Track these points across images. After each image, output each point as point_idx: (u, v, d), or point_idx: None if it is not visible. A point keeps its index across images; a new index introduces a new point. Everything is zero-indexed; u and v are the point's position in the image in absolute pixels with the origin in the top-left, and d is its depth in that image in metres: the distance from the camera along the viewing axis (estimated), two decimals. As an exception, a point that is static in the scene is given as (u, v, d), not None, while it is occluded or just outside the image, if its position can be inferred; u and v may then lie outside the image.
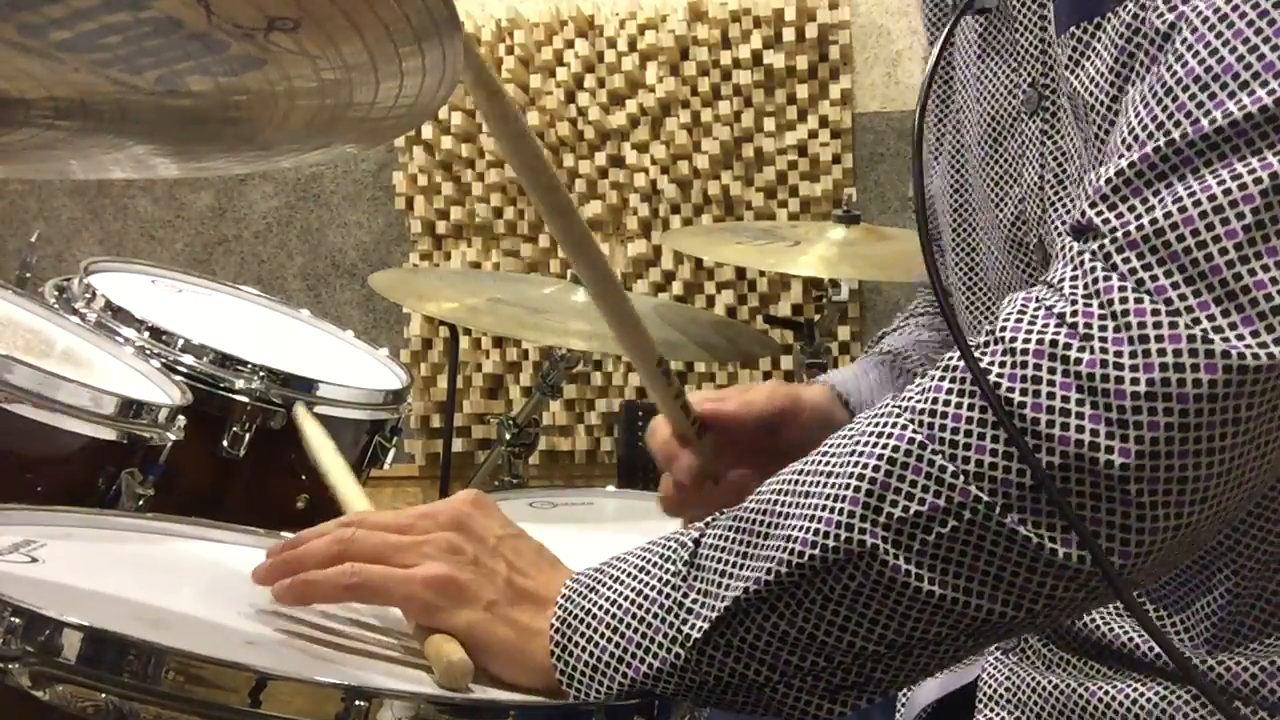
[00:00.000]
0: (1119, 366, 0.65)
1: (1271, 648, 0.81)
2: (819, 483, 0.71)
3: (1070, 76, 0.81)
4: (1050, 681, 0.87)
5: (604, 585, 0.75)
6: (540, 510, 1.47)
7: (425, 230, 3.21)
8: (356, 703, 0.64)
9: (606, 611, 0.74)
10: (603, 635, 0.73)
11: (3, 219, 3.45)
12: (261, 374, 1.64)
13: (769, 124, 3.00)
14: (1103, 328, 0.66)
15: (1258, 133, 0.66)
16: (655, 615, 0.72)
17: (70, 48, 0.59)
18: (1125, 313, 0.66)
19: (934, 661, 0.71)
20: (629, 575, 0.75)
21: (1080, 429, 0.65)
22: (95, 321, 1.60)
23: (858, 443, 0.70)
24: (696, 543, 0.74)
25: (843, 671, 0.70)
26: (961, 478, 0.67)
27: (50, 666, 0.64)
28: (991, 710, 0.89)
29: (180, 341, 1.62)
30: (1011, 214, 0.92)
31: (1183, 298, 0.65)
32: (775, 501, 0.73)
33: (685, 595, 0.72)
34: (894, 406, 0.71)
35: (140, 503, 1.34)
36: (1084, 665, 0.86)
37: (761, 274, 2.97)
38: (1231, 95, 0.66)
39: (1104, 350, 0.66)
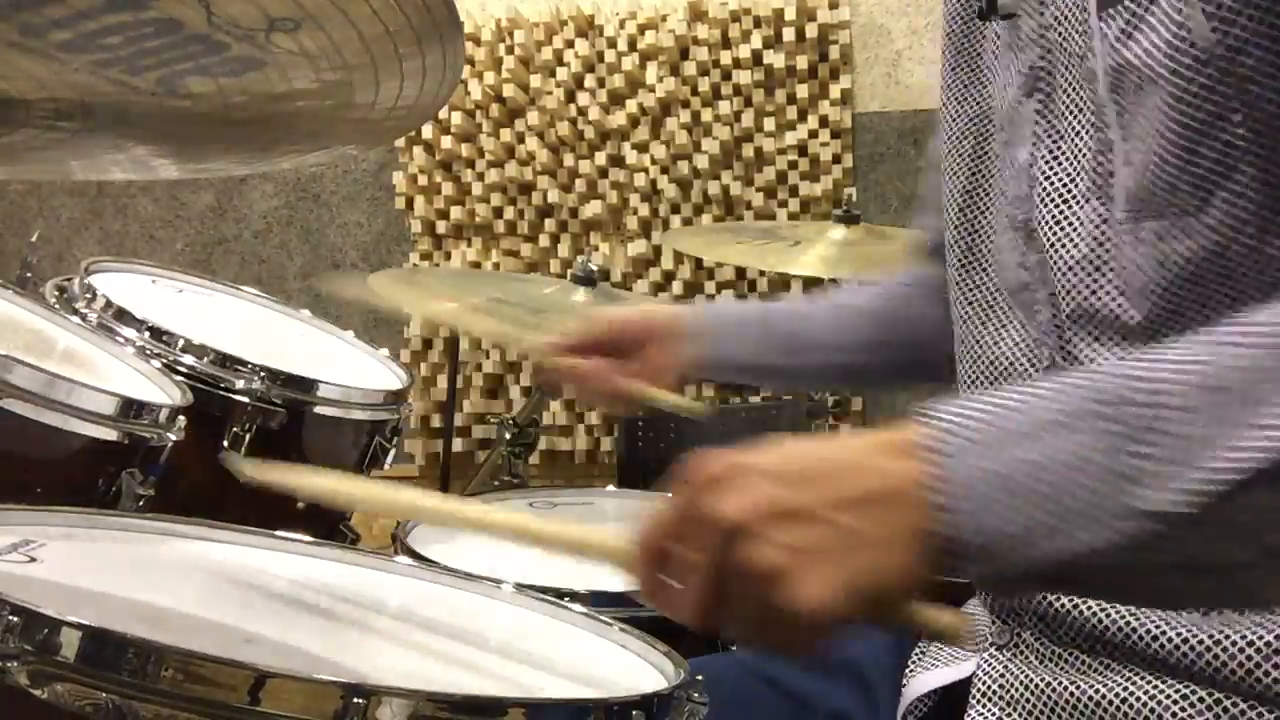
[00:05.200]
0: None
1: (1263, 623, 0.78)
2: None
3: (1122, 49, 0.80)
4: (1042, 679, 0.86)
5: (1007, 443, 0.64)
6: (540, 510, 1.47)
7: (425, 230, 3.21)
8: (355, 700, 0.64)
9: (1028, 475, 0.63)
10: (1029, 501, 0.63)
11: (3, 219, 3.45)
12: (261, 374, 1.64)
13: (769, 124, 3.00)
14: None
15: None
16: (1101, 481, 0.62)
17: (71, 48, 0.59)
18: None
19: None
20: (1042, 431, 0.64)
21: None
22: (96, 322, 1.60)
23: None
24: (1132, 405, 0.63)
25: None
26: None
27: (49, 665, 0.64)
28: (983, 707, 0.89)
29: (180, 341, 1.62)
30: (1012, 193, 0.93)
31: None
32: (1242, 380, 0.61)
33: (1145, 460, 0.62)
34: None
35: (140, 503, 1.34)
36: (1075, 660, 0.86)
37: (761, 274, 2.97)
38: None
39: None
